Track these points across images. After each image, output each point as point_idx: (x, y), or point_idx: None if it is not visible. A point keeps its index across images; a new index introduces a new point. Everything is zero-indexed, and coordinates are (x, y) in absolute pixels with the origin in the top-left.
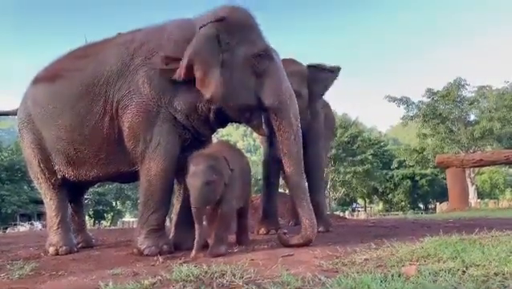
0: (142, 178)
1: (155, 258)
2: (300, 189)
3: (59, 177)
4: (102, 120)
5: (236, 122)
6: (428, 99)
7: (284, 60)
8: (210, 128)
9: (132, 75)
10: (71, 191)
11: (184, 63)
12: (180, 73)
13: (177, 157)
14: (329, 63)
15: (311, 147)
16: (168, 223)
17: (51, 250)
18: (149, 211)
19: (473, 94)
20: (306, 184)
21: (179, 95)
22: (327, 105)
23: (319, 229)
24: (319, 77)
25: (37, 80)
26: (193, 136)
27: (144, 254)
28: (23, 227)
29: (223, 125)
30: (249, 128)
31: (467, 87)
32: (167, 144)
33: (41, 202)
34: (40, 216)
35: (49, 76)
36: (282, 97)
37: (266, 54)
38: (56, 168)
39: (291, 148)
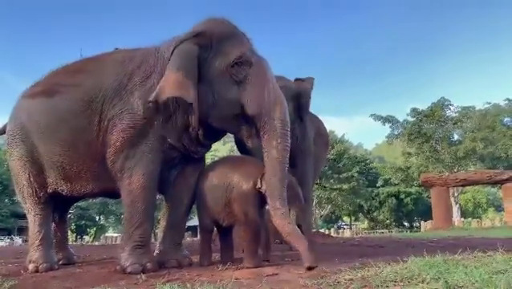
0: (124, 194)
1: (138, 276)
2: (277, 192)
3: (50, 191)
4: (98, 136)
5: (229, 132)
6: (413, 119)
7: None
8: (202, 145)
9: (128, 96)
10: (56, 207)
11: (170, 81)
12: (161, 92)
13: (159, 173)
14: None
15: (298, 165)
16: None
17: (31, 266)
18: (133, 227)
19: (457, 114)
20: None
21: (172, 117)
22: (318, 120)
23: None
24: (304, 90)
25: (32, 94)
26: (183, 155)
27: (127, 272)
28: (3, 242)
29: (216, 139)
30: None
31: (451, 107)
32: (147, 159)
33: (22, 217)
34: (20, 231)
35: (46, 90)
36: (263, 103)
37: (243, 61)
38: (49, 181)
39: (273, 151)
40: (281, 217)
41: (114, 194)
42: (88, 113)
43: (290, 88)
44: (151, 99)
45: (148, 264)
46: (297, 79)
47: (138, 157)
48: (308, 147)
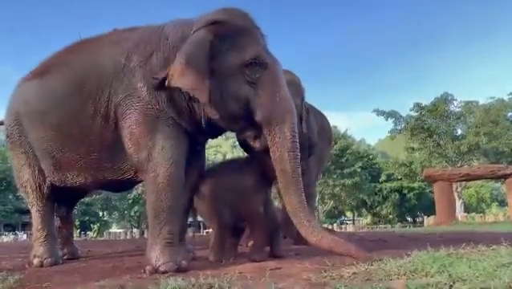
0: (149, 188)
1: (142, 270)
2: (299, 210)
3: (48, 183)
4: (92, 121)
5: (233, 132)
6: (416, 114)
7: None
8: (204, 136)
9: (129, 78)
10: (63, 202)
11: (176, 68)
12: (171, 78)
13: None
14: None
15: (302, 160)
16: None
17: (36, 261)
18: (161, 223)
19: (460, 109)
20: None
21: (177, 98)
22: (322, 115)
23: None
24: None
25: (26, 78)
26: (194, 143)
27: (161, 271)
28: (7, 237)
29: (216, 135)
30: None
31: (454, 102)
32: (172, 148)
33: (26, 212)
34: (24, 226)
35: (38, 72)
36: (274, 110)
37: (258, 61)
38: (45, 173)
39: (285, 165)
40: (312, 234)
41: (109, 187)
42: (80, 95)
43: (296, 83)
44: (156, 76)
45: (184, 262)
46: None
47: (160, 145)
48: (312, 142)
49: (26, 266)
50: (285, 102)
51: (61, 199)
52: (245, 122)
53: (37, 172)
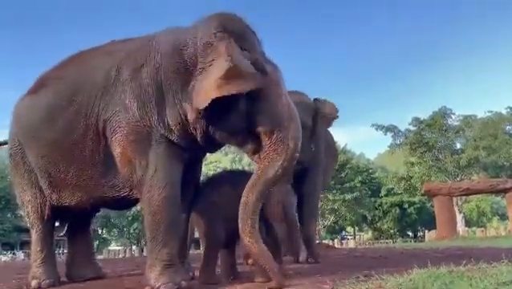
0: (145, 209)
1: None
2: (250, 210)
3: (49, 203)
4: (84, 136)
5: (232, 146)
6: (415, 128)
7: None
8: (203, 150)
9: (119, 92)
10: (77, 220)
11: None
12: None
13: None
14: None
15: (310, 177)
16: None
17: (34, 283)
18: (159, 245)
19: (459, 123)
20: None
21: (168, 113)
22: (327, 132)
23: (309, 261)
24: (324, 110)
25: (23, 95)
26: (190, 158)
27: None
28: (5, 257)
29: (214, 149)
30: (238, 156)
31: (452, 116)
32: (166, 168)
33: (24, 231)
34: (23, 245)
35: (33, 87)
36: (277, 118)
37: (257, 68)
38: (45, 193)
39: (269, 170)
40: (249, 236)
41: (108, 205)
42: (72, 110)
43: (306, 103)
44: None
45: (183, 282)
46: (315, 99)
47: (154, 165)
48: (320, 160)
49: (24, 287)
50: (288, 109)
51: (74, 218)
52: (243, 135)
53: (39, 193)
